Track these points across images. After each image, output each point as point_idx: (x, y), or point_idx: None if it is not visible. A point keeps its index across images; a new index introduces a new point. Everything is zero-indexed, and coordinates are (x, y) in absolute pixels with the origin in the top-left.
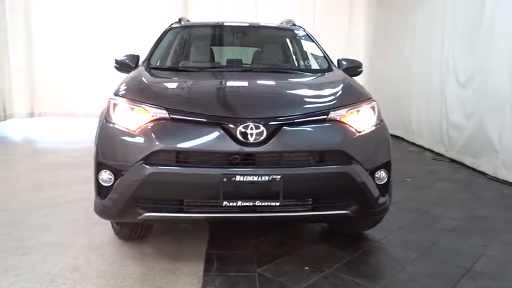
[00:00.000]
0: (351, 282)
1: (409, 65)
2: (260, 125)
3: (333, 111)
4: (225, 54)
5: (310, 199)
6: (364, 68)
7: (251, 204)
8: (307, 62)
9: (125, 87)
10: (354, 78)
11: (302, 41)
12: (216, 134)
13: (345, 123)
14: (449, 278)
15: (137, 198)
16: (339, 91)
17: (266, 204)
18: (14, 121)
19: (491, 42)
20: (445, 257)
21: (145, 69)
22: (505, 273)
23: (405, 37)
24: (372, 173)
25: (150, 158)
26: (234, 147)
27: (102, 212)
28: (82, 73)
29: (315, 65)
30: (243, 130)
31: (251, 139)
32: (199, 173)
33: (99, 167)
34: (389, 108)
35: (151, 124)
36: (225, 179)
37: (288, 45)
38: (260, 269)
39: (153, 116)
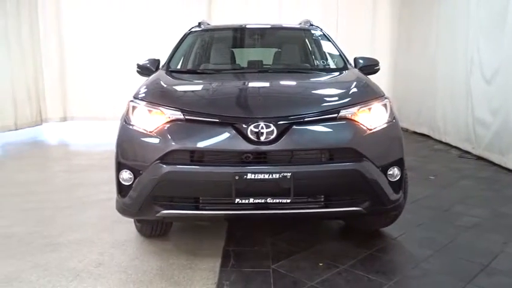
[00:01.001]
0: (364, 278)
1: (434, 62)
2: (271, 124)
3: (344, 109)
4: (243, 56)
5: (322, 196)
6: (389, 66)
7: (263, 201)
8: (323, 62)
9: (143, 90)
10: (374, 75)
11: (319, 40)
12: (228, 133)
13: (356, 121)
14: (464, 274)
15: (155, 196)
16: (350, 89)
17: (277, 201)
18: (49, 125)
19: None
20: (462, 254)
21: (164, 73)
22: None
23: (429, 33)
24: (384, 170)
25: (166, 158)
26: (245, 146)
27: (123, 210)
28: (110, 79)
29: (331, 64)
30: (254, 129)
31: (262, 138)
32: (213, 171)
33: (119, 166)
34: (415, 106)
35: (168, 125)
36: (237, 177)
37: (305, 45)
38: (275, 265)
39: (169, 117)
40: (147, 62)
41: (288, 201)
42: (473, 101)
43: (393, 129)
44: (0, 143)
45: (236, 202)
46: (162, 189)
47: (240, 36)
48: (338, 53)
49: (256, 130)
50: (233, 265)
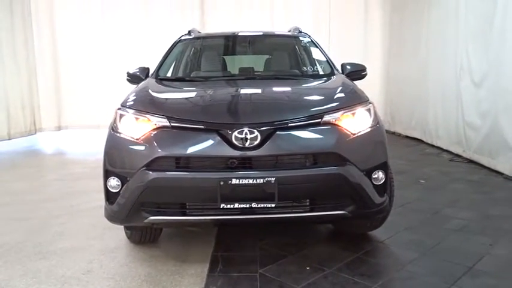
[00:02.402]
0: (349, 281)
1: (425, 67)
2: (254, 130)
3: (328, 114)
4: (233, 63)
5: (307, 200)
6: (381, 71)
7: (248, 206)
8: (311, 68)
9: (131, 98)
10: (367, 81)
11: (307, 47)
12: (212, 140)
13: (339, 126)
14: (449, 276)
15: (142, 203)
16: (335, 95)
17: (262, 205)
18: (43, 134)
19: (504, 40)
20: (448, 257)
21: (153, 81)
22: (507, 271)
23: (420, 39)
24: (368, 174)
25: (153, 164)
26: (230, 152)
27: (111, 216)
28: (104, 87)
29: (318, 70)
30: (239, 135)
31: (246, 144)
32: (198, 177)
33: (107, 174)
34: (407, 111)
35: (154, 132)
36: (221, 183)
37: (294, 52)
38: (262, 269)
39: (155, 124)
40: (137, 70)
41: (273, 205)
42: (463, 105)
43: (377, 134)
44: None
45: (221, 207)
46: (149, 195)
47: (229, 43)
48: (325, 59)
49: (241, 136)
50: (221, 270)
